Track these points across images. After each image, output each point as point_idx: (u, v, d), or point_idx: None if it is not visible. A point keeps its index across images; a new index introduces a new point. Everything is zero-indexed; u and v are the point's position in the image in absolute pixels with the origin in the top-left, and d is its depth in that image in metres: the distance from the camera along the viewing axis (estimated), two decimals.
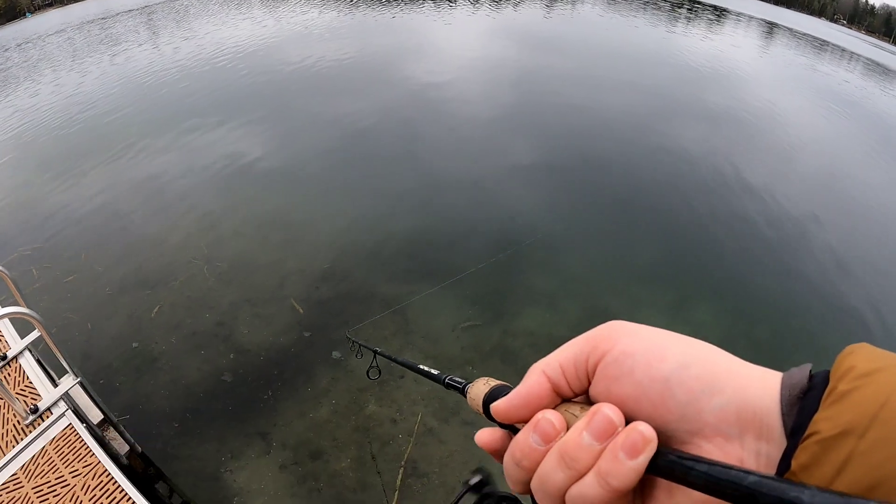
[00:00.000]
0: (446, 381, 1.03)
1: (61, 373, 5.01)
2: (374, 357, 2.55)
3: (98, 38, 33.53)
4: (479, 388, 0.73)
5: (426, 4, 39.92)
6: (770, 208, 12.44)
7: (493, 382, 0.73)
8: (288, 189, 11.44)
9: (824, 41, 61.94)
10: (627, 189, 12.52)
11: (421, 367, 1.32)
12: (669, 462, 0.44)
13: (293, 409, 6.31)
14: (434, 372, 1.19)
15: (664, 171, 13.61)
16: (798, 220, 12.17)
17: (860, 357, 0.42)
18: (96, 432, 4.83)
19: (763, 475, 0.38)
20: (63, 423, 4.48)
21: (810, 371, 0.45)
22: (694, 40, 35.16)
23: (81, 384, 4.82)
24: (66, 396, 4.66)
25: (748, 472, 0.39)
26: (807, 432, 0.41)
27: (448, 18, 34.46)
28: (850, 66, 43.60)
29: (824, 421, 0.40)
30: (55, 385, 4.85)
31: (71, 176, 12.43)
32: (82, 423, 4.56)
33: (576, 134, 15.44)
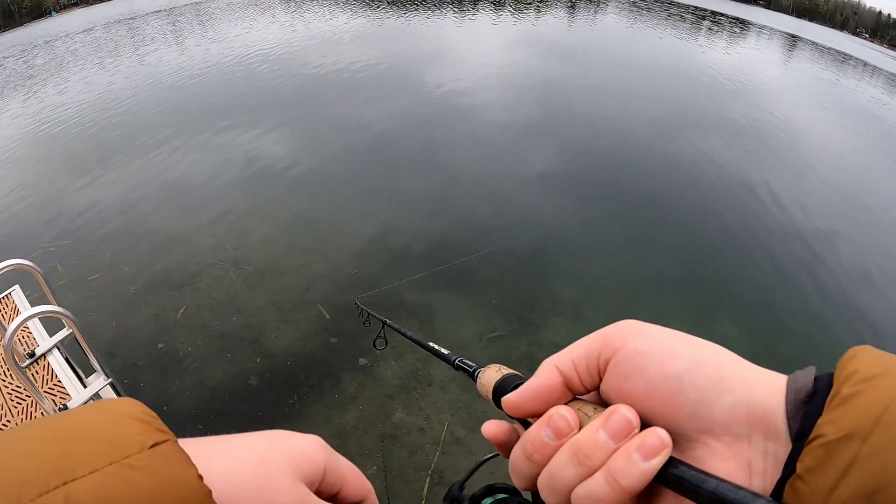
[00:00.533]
0: (456, 361, 0.99)
1: (89, 372, 4.99)
2: (383, 328, 2.52)
3: (125, 38, 33.91)
4: (491, 374, 0.71)
5: (449, 12, 40.06)
6: (794, 222, 12.37)
7: (505, 371, 0.70)
8: (314, 193, 11.48)
9: (847, 54, 61.54)
10: (651, 199, 12.48)
11: (431, 344, 1.27)
12: (679, 472, 0.44)
13: (319, 414, 6.28)
14: (444, 351, 1.14)
15: (687, 182, 13.58)
16: (822, 235, 12.09)
17: (863, 361, 0.43)
18: None
19: (770, 500, 0.40)
20: None
21: (815, 374, 0.46)
22: (716, 52, 35.06)
23: (112, 385, 4.80)
24: (96, 397, 4.63)
25: (756, 496, 0.40)
26: (811, 436, 0.41)
27: (471, 26, 34.57)
28: (873, 80, 43.26)
29: (828, 424, 0.40)
30: (84, 385, 4.83)
31: (98, 174, 12.53)
32: None
33: (598, 143, 15.43)
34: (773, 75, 31.88)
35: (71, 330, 4.64)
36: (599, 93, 20.60)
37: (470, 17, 38.42)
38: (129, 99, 18.58)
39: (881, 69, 56.20)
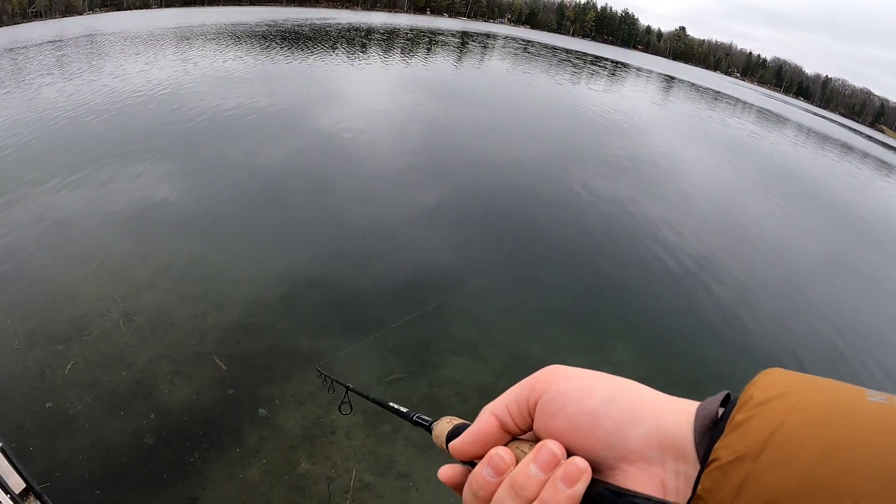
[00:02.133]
0: (414, 418, 1.08)
1: None
2: (346, 392, 2.62)
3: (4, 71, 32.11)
4: (443, 426, 0.81)
5: (338, 54, 40.26)
6: (676, 248, 13.28)
7: (456, 421, 0.81)
8: (203, 237, 11.24)
9: (719, 92, 65.92)
10: (538, 236, 13.02)
11: (391, 404, 1.35)
12: (601, 493, 0.53)
13: (222, 471, 6.14)
14: (403, 409, 1.22)
15: (572, 219, 14.27)
16: (702, 257, 13.12)
17: (761, 386, 0.50)
18: (19, 502, 4.61)
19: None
20: None
21: (726, 397, 0.54)
22: (598, 93, 36.82)
23: (2, 450, 4.60)
24: None
25: (664, 501, 0.50)
26: (709, 459, 0.47)
27: (362, 68, 34.89)
28: (744, 115, 46.52)
29: (723, 449, 0.47)
30: None
31: None
32: (6, 493, 4.35)
33: (484, 182, 15.96)
34: (653, 113, 33.80)
35: None
36: (486, 133, 21.29)
37: (361, 59, 38.79)
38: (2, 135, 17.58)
39: (752, 104, 60.56)
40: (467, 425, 0.73)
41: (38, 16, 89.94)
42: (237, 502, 5.81)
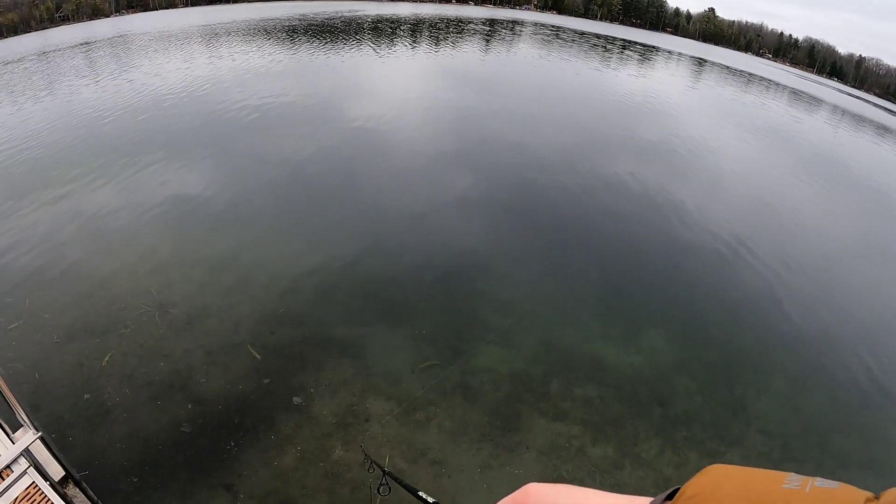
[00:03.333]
0: None
1: (15, 427, 4.83)
2: (384, 476, 2.79)
3: (39, 73, 32.74)
4: None
5: (367, 46, 40.30)
6: (707, 232, 13.08)
7: None
8: (236, 230, 11.35)
9: (751, 74, 64.70)
10: (571, 222, 12.91)
11: (420, 494, 1.48)
12: None
13: (257, 458, 6.20)
14: (430, 500, 1.38)
15: (604, 205, 14.09)
16: (735, 240, 12.88)
17: (695, 482, 0.58)
18: (60, 490, 4.67)
19: None
20: (25, 481, 4.33)
21: (673, 492, 0.60)
22: (628, 78, 36.34)
23: (42, 439, 4.66)
24: (26, 452, 4.49)
25: None
26: None
27: (389, 60, 34.89)
28: (777, 96, 45.62)
29: None
30: (11, 440, 4.68)
31: (11, 218, 12.01)
32: (45, 480, 4.42)
33: (516, 170, 15.84)
34: (685, 97, 33.29)
35: None
36: (516, 121, 21.15)
37: (388, 51, 38.77)
38: (42, 136, 17.91)
39: (785, 85, 59.40)
40: None
41: (66, 20, 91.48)
42: (272, 489, 5.86)
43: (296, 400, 7.00)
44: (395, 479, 2.21)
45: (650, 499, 0.63)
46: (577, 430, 7.06)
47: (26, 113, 21.13)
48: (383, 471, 2.79)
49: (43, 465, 4.72)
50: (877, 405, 8.53)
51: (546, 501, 0.71)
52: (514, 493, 0.75)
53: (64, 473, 4.92)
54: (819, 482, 0.51)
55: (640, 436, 7.15)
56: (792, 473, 0.53)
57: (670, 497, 0.59)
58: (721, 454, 7.06)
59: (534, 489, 0.74)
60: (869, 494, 0.48)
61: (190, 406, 6.90)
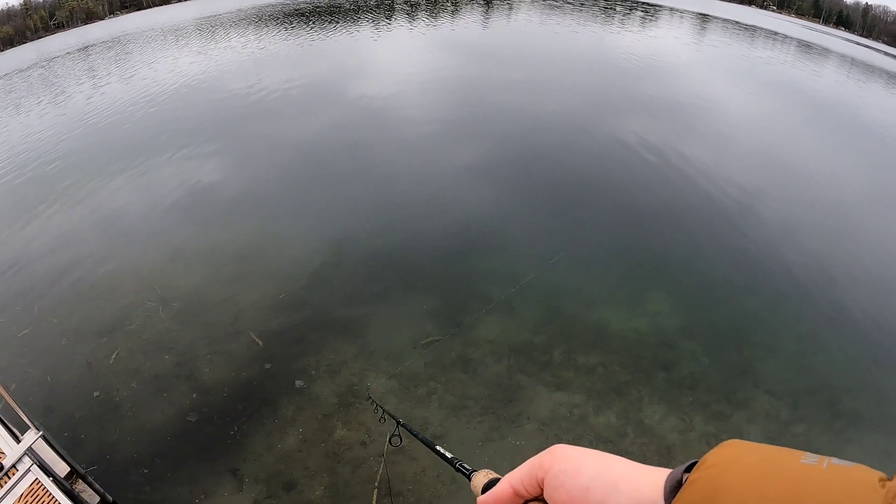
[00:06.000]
0: (457, 465, 1.21)
1: (24, 429, 4.97)
2: (398, 426, 2.73)
3: (38, 82, 32.99)
4: (480, 479, 0.99)
5: (364, 23, 40.04)
6: (713, 192, 12.83)
7: (492, 475, 0.99)
8: (234, 220, 11.50)
9: (755, 27, 63.57)
10: (573, 188, 12.80)
11: (437, 447, 1.46)
12: None
13: (261, 442, 6.33)
14: (448, 455, 1.35)
15: (606, 169, 13.90)
16: (742, 199, 12.62)
17: (714, 453, 0.59)
18: (64, 485, 4.81)
19: None
20: (29, 478, 4.46)
21: (692, 464, 0.62)
22: (631, 38, 35.81)
23: (44, 437, 4.79)
24: (30, 451, 4.62)
25: None
26: None
27: (388, 35, 34.65)
28: (783, 49, 44.85)
29: (678, 502, 0.58)
30: (18, 442, 4.81)
31: (16, 227, 12.18)
32: (49, 477, 4.54)
33: (518, 137, 15.66)
34: (688, 54, 32.83)
35: None
36: (517, 88, 20.87)
37: (386, 27, 38.47)
38: (43, 143, 18.05)
39: (791, 37, 58.34)
40: (499, 479, 0.88)
41: (61, 27, 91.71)
42: (276, 471, 5.98)
43: (298, 383, 7.11)
44: (411, 432, 2.15)
45: (671, 469, 0.66)
46: (579, 399, 7.07)
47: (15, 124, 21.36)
48: (397, 421, 2.76)
49: (48, 463, 4.86)
50: (888, 361, 8.35)
51: (571, 465, 0.74)
52: (541, 454, 0.78)
53: (69, 469, 5.05)
54: (835, 461, 0.53)
55: (644, 401, 7.13)
56: (808, 452, 0.55)
57: (688, 470, 0.62)
58: (727, 417, 6.98)
59: (560, 451, 0.77)
60: (881, 474, 0.50)
61: (195, 396, 7.04)
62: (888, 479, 0.48)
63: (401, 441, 2.68)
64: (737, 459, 0.57)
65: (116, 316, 8.69)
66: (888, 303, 9.80)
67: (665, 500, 0.62)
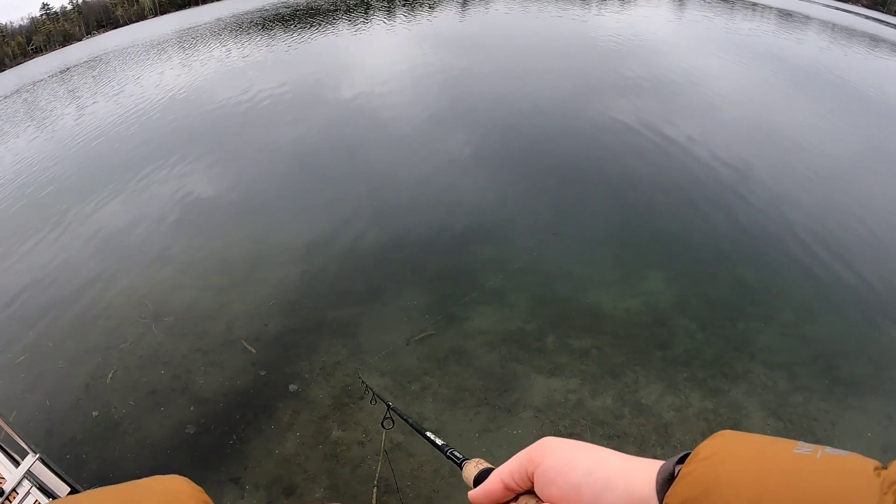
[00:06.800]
0: (448, 453, 1.20)
1: (24, 454, 4.99)
2: (388, 410, 2.73)
3: (23, 108, 32.95)
4: (471, 469, 0.98)
5: (342, 24, 39.95)
6: (703, 165, 12.80)
7: (483, 465, 0.97)
8: (221, 230, 11.55)
9: None
10: (560, 169, 12.78)
11: (428, 433, 1.46)
12: None
13: (260, 448, 6.37)
14: (439, 441, 1.34)
15: (594, 150, 13.89)
16: (733, 170, 12.56)
17: (707, 445, 0.61)
18: None
19: None
20: (30, 501, 4.49)
21: (684, 456, 0.63)
22: (611, 19, 35.70)
23: (42, 460, 4.82)
24: (28, 474, 4.65)
25: None
26: None
27: (367, 34, 34.59)
28: (763, 19, 44.73)
29: (672, 496, 0.59)
30: (17, 466, 4.84)
31: (8, 255, 12.18)
32: (49, 498, 4.57)
33: (505, 126, 15.59)
34: (669, 31, 32.74)
35: None
36: (501, 77, 20.81)
37: (363, 26, 38.36)
38: (32, 169, 18.05)
39: (770, 6, 58.09)
40: (491, 469, 0.90)
41: (39, 51, 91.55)
42: (276, 476, 6.02)
43: (292, 387, 7.15)
44: (400, 415, 2.15)
45: (663, 461, 0.67)
46: (574, 384, 7.06)
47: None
48: (387, 404, 2.77)
49: (48, 485, 4.88)
50: (885, 325, 8.26)
51: (561, 457, 0.73)
52: (529, 447, 0.78)
53: (70, 490, 5.08)
54: (829, 450, 0.54)
55: (640, 382, 7.10)
56: (801, 442, 0.56)
57: (681, 462, 0.62)
58: (725, 392, 6.92)
59: (549, 443, 0.77)
60: (877, 463, 0.51)
61: (192, 408, 7.07)
62: (883, 468, 0.50)
63: (392, 424, 2.70)
64: (730, 451, 0.58)
65: (110, 335, 8.71)
66: (883, 265, 9.73)
67: (657, 493, 0.63)
